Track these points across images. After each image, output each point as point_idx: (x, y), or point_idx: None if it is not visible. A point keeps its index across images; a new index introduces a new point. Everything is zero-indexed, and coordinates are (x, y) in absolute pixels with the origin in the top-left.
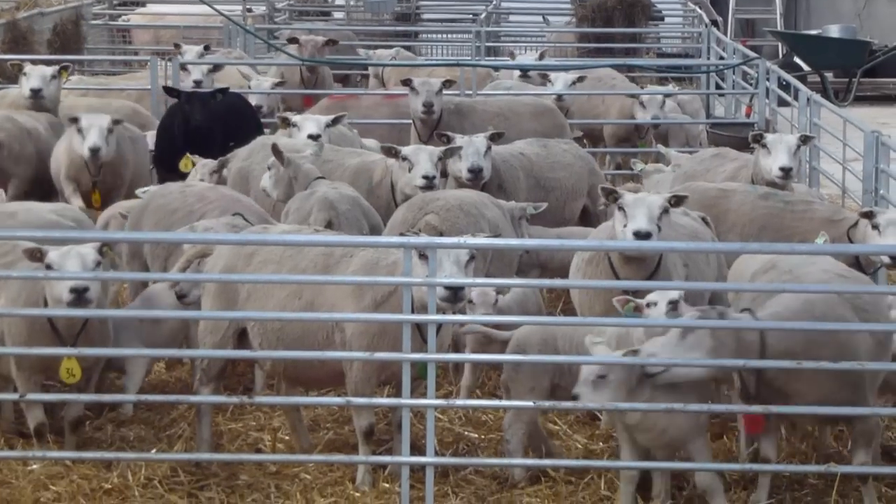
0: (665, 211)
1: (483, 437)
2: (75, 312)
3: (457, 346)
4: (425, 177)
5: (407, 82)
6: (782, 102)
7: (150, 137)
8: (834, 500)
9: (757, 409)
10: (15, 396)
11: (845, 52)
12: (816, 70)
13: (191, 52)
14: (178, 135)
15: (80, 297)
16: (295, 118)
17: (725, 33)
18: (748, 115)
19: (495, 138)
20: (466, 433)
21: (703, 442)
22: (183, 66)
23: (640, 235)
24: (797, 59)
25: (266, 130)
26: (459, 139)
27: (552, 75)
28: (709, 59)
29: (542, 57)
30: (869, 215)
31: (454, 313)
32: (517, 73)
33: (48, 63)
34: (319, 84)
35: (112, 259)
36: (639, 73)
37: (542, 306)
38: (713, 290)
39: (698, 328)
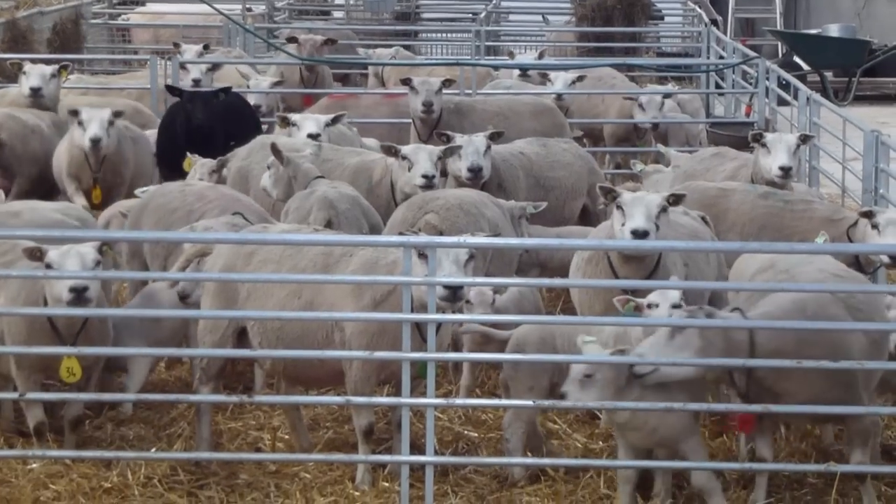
0: (663, 210)
1: (483, 436)
2: (75, 311)
3: (456, 346)
4: (425, 176)
5: (406, 81)
6: (782, 102)
7: (152, 136)
8: (834, 499)
9: (756, 408)
10: (14, 395)
11: (845, 52)
12: (816, 69)
13: (190, 51)
14: (181, 134)
15: (79, 296)
16: (294, 117)
17: (725, 32)
18: (748, 115)
19: (495, 137)
20: (466, 432)
21: (696, 441)
22: (182, 66)
23: (638, 234)
24: (797, 59)
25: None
26: (459, 138)
27: (552, 75)
28: (708, 58)
29: (541, 56)
30: (868, 215)
31: (453, 312)
32: (517, 72)
33: (48, 62)
34: (319, 83)
35: (114, 258)
36: (638, 73)
37: (541, 305)
38: (713, 290)
39: (687, 327)
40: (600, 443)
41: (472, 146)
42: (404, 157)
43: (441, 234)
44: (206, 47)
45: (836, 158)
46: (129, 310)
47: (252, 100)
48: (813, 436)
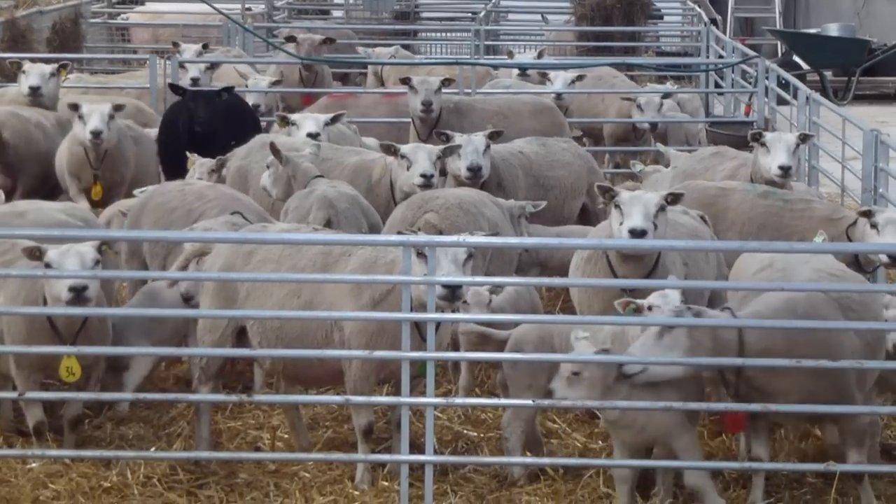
0: (661, 209)
1: (482, 435)
2: (75, 311)
3: (455, 345)
4: (424, 175)
5: (406, 81)
6: (781, 101)
7: (153, 135)
8: (833, 498)
9: (755, 407)
10: (14, 395)
11: (844, 51)
12: (815, 69)
13: (189, 50)
14: (183, 133)
15: (79, 295)
16: (293, 117)
17: (724, 32)
18: (747, 114)
19: (494, 137)
20: (465, 431)
21: (688, 440)
22: (181, 65)
23: (636, 233)
24: (796, 58)
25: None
26: (458, 138)
27: (551, 74)
28: (708, 57)
29: (540, 55)
30: (868, 214)
31: (452, 311)
32: (516, 71)
33: (47, 61)
34: (318, 83)
35: (114, 258)
36: (638, 72)
37: (538, 305)
38: (712, 289)
39: (677, 327)
40: (600, 442)
41: (471, 145)
42: (403, 157)
43: (440, 233)
44: (205, 47)
45: (836, 158)
46: (129, 309)
47: (251, 99)
48: (812, 435)
